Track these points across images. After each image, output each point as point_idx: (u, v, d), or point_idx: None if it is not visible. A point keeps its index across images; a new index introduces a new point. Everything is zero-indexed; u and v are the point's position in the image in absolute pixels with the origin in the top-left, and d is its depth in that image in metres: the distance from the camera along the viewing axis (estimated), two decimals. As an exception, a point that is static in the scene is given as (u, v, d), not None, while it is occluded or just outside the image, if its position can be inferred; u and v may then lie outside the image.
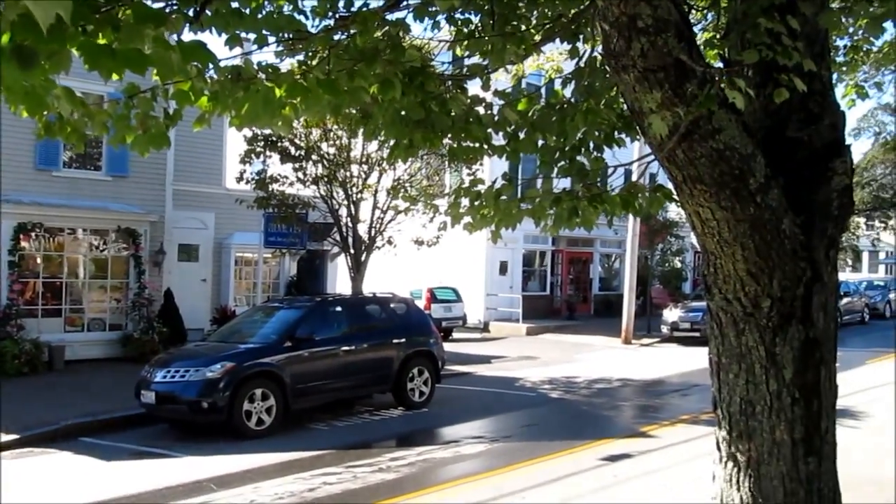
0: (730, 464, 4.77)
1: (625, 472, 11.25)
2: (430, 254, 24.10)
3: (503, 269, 34.39)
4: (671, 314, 28.83)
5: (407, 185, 20.76)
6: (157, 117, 3.95)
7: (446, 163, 21.12)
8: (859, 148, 67.72)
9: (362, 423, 14.73)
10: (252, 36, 3.64)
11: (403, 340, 16.08)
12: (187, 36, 3.50)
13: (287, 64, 4.47)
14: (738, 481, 4.71)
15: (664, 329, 28.89)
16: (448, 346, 22.13)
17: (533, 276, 36.84)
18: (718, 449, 4.86)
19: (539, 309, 34.60)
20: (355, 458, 11.90)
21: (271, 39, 3.91)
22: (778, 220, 4.22)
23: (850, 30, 7.75)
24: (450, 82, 4.37)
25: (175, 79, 3.27)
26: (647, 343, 28.25)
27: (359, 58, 3.56)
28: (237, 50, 3.91)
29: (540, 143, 4.67)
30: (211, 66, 3.18)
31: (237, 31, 3.57)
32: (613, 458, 11.98)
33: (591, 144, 4.75)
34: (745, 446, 4.67)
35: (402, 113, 4.19)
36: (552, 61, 11.26)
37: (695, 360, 22.09)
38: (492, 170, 22.64)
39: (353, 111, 4.36)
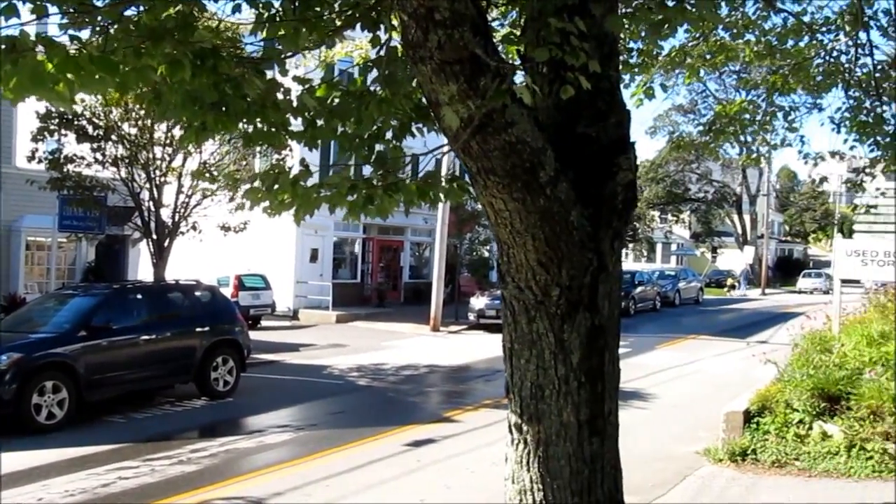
0: (521, 445, 4.93)
1: (429, 457, 11.48)
2: (239, 240, 23.60)
3: (314, 256, 34.15)
4: (478, 301, 29.57)
5: (213, 168, 20.21)
6: (-82, 89, 3.63)
7: (256, 147, 20.70)
8: (655, 146, 71.90)
9: (163, 415, 14.27)
10: (29, 6, 3.41)
11: (207, 329, 15.70)
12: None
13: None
14: (527, 462, 4.88)
15: (471, 316, 29.61)
16: (256, 335, 21.79)
17: (344, 264, 36.82)
18: (510, 432, 5.02)
19: (350, 296, 34.62)
20: (154, 451, 11.50)
21: (53, 10, 3.69)
22: (566, 213, 4.39)
23: (643, 34, 8.18)
24: (247, 65, 4.27)
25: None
26: (454, 330, 28.86)
27: (148, 35, 3.43)
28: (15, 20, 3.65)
29: (340, 130, 4.67)
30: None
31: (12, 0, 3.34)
32: (418, 444, 12.19)
33: (391, 133, 4.79)
34: (534, 428, 4.85)
35: (199, 95, 4.07)
36: (360, 49, 11.26)
37: (500, 346, 22.75)
38: (301, 154, 22.41)
39: (147, 90, 4.19)
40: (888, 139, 9.07)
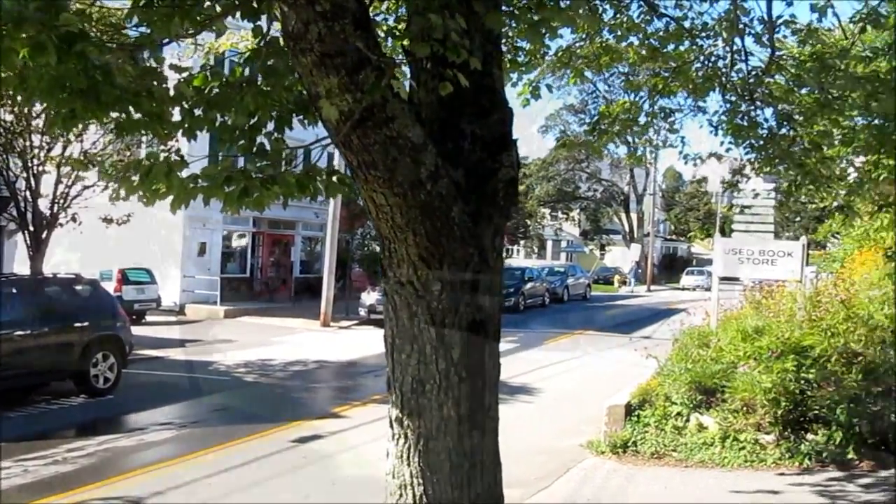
0: (401, 440, 4.95)
1: (315, 453, 11.40)
2: (124, 233, 22.94)
3: (202, 250, 33.40)
4: (369, 297, 29.40)
5: (97, 158, 19.54)
6: None
7: (142, 136, 20.12)
8: (548, 144, 73.05)
9: (38, 414, 13.74)
10: None
11: (87, 324, 15.18)
12: None
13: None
14: (408, 457, 4.90)
15: (362, 312, 29.43)
16: (140, 330, 21.21)
17: (233, 258, 36.14)
18: (391, 426, 5.04)
19: (239, 291, 34.04)
20: (28, 451, 11.05)
21: None
22: (448, 208, 4.41)
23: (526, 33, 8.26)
24: (121, 52, 4.14)
25: None
26: (345, 325, 28.69)
27: (8, 17, 3.28)
28: None
29: (219, 121, 4.57)
30: None
31: None
32: (304, 440, 12.08)
33: (272, 125, 4.73)
34: (415, 423, 4.87)
35: (67, 82, 3.92)
36: (246, 40, 11.00)
37: (389, 341, 22.74)
38: (191, 145, 21.89)
39: (10, 75, 4.00)
40: (761, 142, 9.44)
